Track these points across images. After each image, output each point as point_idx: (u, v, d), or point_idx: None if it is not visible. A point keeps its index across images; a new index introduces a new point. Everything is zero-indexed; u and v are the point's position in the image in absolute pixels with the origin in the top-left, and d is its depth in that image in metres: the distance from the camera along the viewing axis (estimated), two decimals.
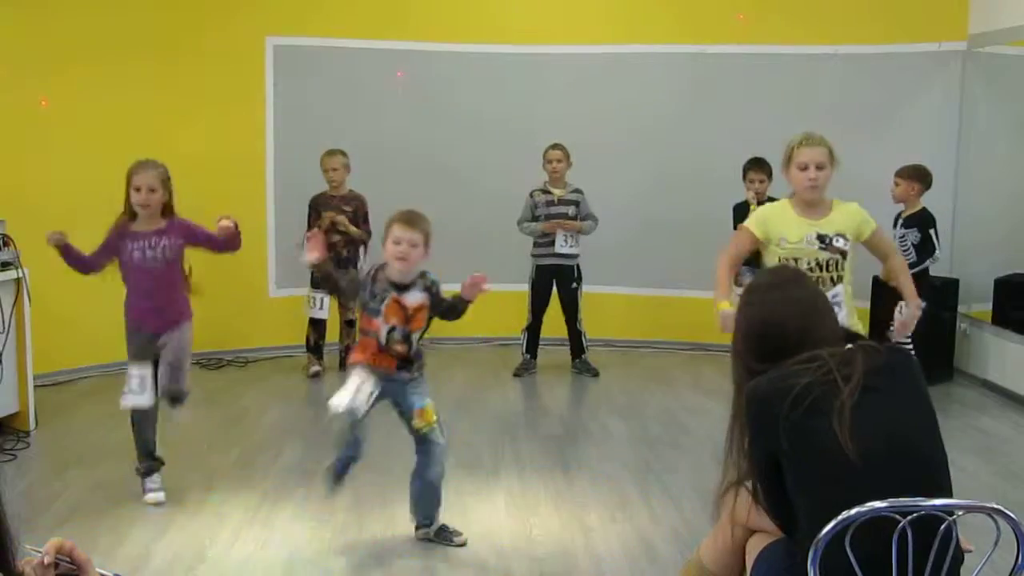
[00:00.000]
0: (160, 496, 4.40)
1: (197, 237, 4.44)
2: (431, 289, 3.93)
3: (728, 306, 3.86)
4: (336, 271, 4.19)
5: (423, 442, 3.96)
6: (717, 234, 6.84)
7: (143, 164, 4.35)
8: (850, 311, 3.95)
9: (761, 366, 2.36)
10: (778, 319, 2.41)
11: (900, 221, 6.15)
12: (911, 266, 6.03)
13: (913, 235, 6.12)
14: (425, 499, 4.01)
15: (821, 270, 3.93)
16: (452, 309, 3.99)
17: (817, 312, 2.45)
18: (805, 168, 3.98)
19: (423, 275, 3.93)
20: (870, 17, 7.25)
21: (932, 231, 6.13)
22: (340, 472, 4.08)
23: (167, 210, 4.39)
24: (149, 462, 4.49)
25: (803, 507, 2.27)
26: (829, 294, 3.68)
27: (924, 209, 6.22)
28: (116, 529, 4.08)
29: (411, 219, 3.92)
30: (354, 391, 3.96)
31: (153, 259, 4.33)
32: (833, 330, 2.45)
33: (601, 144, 7.37)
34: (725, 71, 7.42)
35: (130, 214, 4.36)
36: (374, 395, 3.86)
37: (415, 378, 3.97)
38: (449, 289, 4.05)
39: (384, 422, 5.69)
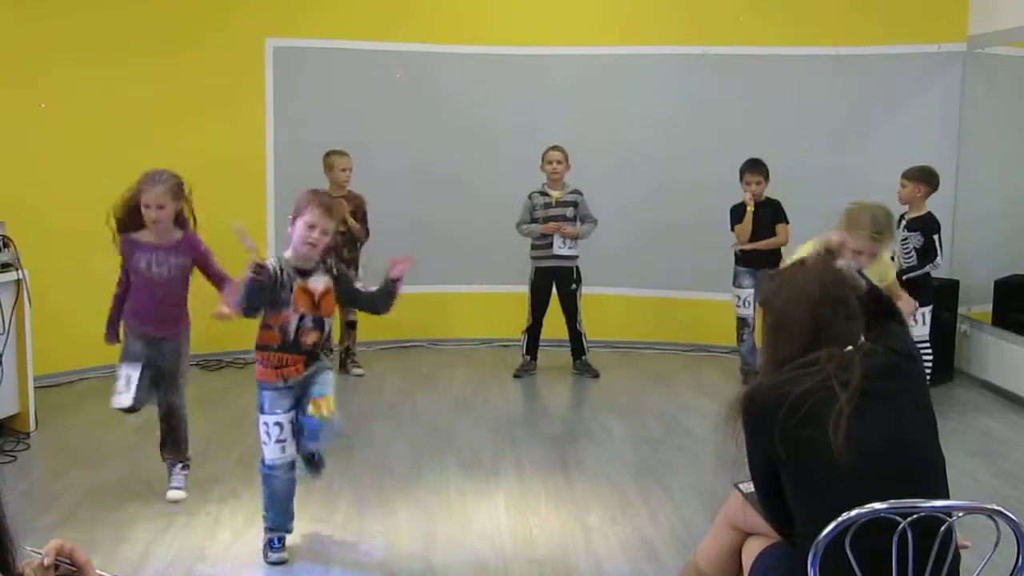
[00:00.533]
0: (177, 495, 4.42)
1: (203, 265, 4.41)
2: (333, 272, 3.82)
3: None
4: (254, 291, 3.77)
5: (302, 430, 3.80)
6: (718, 235, 6.87)
7: (151, 179, 4.27)
8: None
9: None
10: (793, 311, 2.39)
11: (904, 223, 6.15)
12: (911, 270, 6.02)
13: (916, 239, 6.10)
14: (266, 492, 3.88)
15: None
16: (380, 297, 3.88)
17: (830, 305, 2.41)
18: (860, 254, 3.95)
19: (323, 260, 3.81)
20: (870, 18, 7.25)
21: (936, 237, 6.10)
22: (276, 545, 3.85)
23: (180, 220, 4.36)
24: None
25: (801, 515, 2.26)
26: None
27: (930, 213, 6.17)
28: (116, 530, 4.07)
29: (330, 207, 3.79)
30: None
31: (159, 274, 4.33)
32: (847, 327, 2.40)
33: (602, 145, 7.37)
34: (725, 72, 7.42)
35: (125, 220, 4.30)
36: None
37: (322, 368, 3.84)
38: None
39: (385, 424, 5.71)
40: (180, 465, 4.51)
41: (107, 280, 4.48)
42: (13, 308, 5.23)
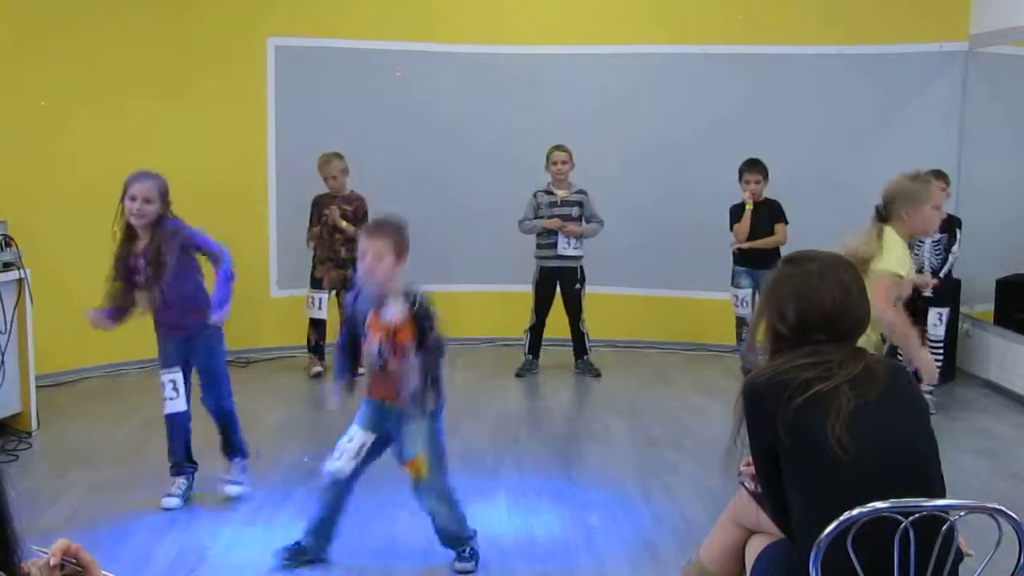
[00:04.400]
0: (172, 502, 4.35)
1: (194, 245, 4.24)
2: (413, 301, 3.55)
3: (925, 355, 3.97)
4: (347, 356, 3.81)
5: (415, 494, 3.73)
6: (719, 235, 6.87)
7: (140, 174, 4.20)
8: None
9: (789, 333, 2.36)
10: (818, 299, 2.38)
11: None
12: (941, 267, 6.11)
13: (946, 239, 6.16)
14: (448, 546, 3.82)
15: None
16: (434, 347, 3.61)
17: (849, 297, 2.41)
18: (939, 208, 4.00)
19: (405, 291, 3.58)
20: (871, 18, 7.25)
21: (959, 230, 6.23)
22: (293, 551, 3.79)
23: (161, 224, 4.19)
24: (175, 463, 4.46)
25: (797, 499, 2.28)
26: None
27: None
28: (118, 529, 4.08)
29: (373, 228, 3.63)
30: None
31: (153, 274, 4.18)
32: (852, 321, 2.41)
33: (603, 145, 7.36)
34: (726, 72, 7.42)
35: (125, 232, 4.21)
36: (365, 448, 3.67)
37: (419, 414, 3.61)
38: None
39: None
40: (239, 456, 4.49)
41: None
42: (15, 307, 5.23)
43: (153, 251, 4.17)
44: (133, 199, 4.14)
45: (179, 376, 4.30)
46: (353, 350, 3.75)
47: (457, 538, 3.79)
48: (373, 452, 3.72)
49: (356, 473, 3.71)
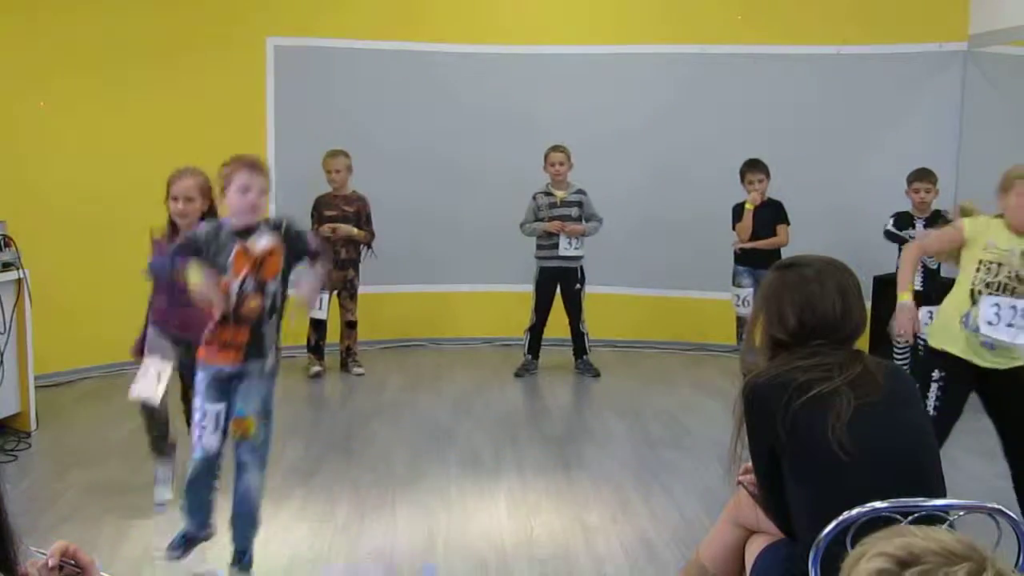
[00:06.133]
0: (165, 494, 4.38)
1: None
2: (280, 227, 3.56)
3: (907, 298, 4.00)
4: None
5: (235, 450, 3.63)
6: (719, 234, 6.87)
7: (181, 172, 4.20)
8: None
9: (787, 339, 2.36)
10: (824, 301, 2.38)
11: (922, 222, 6.16)
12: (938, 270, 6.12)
13: None
14: (235, 517, 3.67)
15: (1020, 283, 3.94)
16: (318, 250, 3.67)
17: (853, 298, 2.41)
18: (1021, 195, 4.01)
19: (265, 219, 3.58)
20: (871, 17, 7.25)
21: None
22: (181, 544, 3.72)
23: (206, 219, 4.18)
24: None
25: (797, 500, 2.28)
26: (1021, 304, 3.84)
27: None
28: (117, 529, 4.08)
29: (256, 163, 3.58)
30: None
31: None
32: (851, 324, 2.41)
33: (605, 145, 7.37)
34: (726, 72, 7.42)
35: (172, 226, 4.19)
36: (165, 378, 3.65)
37: (261, 373, 3.65)
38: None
39: (386, 424, 5.71)
40: None
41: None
42: (14, 307, 5.23)
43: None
44: (175, 200, 4.17)
45: (168, 371, 4.23)
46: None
47: (252, 517, 3.67)
48: (228, 419, 3.66)
49: (221, 447, 3.67)
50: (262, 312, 3.58)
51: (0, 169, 6.10)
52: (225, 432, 3.65)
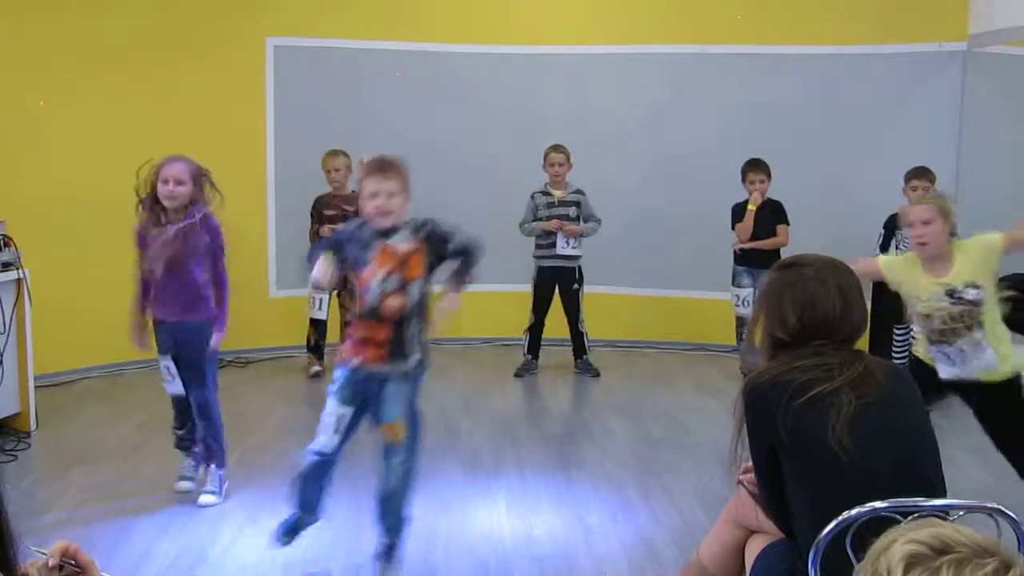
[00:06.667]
0: (185, 485, 4.44)
1: (214, 255, 4.29)
2: (422, 230, 3.57)
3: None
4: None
5: (384, 454, 3.64)
6: (719, 234, 6.87)
7: (172, 158, 4.22)
8: (1001, 354, 3.95)
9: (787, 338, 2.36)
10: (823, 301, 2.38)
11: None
12: None
13: None
14: (383, 515, 3.71)
15: (955, 321, 3.93)
16: (468, 249, 3.71)
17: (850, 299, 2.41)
18: (912, 227, 4.02)
19: (409, 220, 3.57)
20: (870, 17, 7.25)
21: None
22: (292, 527, 3.77)
23: (194, 206, 4.21)
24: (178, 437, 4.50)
25: (797, 500, 2.28)
26: (971, 342, 3.83)
27: None
28: (117, 529, 4.08)
29: (383, 167, 3.53)
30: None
31: (174, 247, 4.16)
32: (851, 323, 2.41)
33: (605, 145, 7.37)
34: (726, 71, 7.42)
35: (151, 211, 4.20)
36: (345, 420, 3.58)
37: (404, 377, 3.60)
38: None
39: None
40: (216, 465, 4.46)
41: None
42: (14, 307, 5.23)
43: (182, 230, 4.17)
44: (165, 182, 4.17)
45: (171, 363, 4.32)
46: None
47: (400, 515, 3.69)
48: (353, 424, 3.64)
49: (340, 448, 3.65)
50: (404, 312, 3.53)
51: (0, 169, 6.10)
52: (345, 437, 3.63)
